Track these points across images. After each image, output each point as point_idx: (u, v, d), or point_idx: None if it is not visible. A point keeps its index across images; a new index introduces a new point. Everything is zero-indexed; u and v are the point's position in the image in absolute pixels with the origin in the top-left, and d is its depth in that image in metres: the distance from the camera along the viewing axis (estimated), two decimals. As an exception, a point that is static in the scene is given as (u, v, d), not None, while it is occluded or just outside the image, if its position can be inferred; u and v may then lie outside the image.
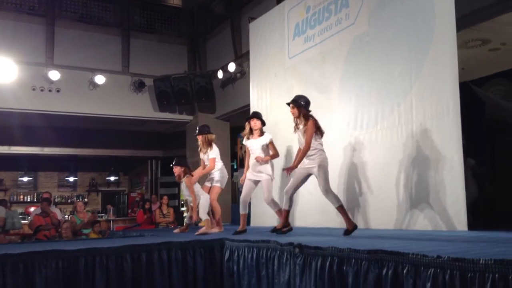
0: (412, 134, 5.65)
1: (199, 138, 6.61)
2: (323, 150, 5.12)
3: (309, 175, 5.18)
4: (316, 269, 3.61)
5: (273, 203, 5.94)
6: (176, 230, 6.86)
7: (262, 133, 6.00)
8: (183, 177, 6.29)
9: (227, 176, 6.89)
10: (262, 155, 5.89)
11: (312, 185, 6.83)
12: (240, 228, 5.83)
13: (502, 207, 6.69)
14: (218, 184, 6.62)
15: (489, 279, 2.43)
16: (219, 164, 6.62)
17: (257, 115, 6.11)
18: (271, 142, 5.96)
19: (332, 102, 6.89)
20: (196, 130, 6.76)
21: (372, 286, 3.11)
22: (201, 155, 6.66)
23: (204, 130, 6.61)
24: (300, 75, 7.67)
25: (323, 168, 5.00)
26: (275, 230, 5.51)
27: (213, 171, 6.58)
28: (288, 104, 5.24)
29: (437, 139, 5.33)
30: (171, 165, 6.43)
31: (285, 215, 5.35)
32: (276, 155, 6.03)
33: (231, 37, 11.08)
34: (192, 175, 6.36)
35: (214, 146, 6.57)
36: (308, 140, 4.97)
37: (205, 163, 6.62)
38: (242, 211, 5.94)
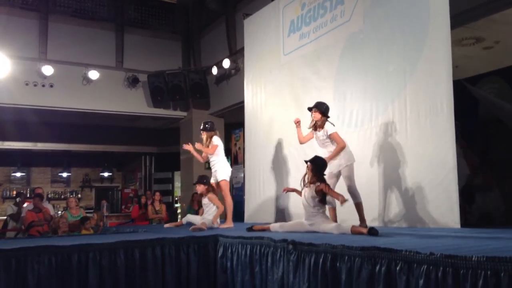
0: (406, 131, 5.67)
1: (204, 134, 6.74)
2: None
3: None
4: (310, 265, 3.62)
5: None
6: (168, 225, 6.87)
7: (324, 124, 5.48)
8: (207, 194, 6.53)
9: (230, 169, 6.92)
10: (324, 147, 5.48)
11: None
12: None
13: (497, 203, 6.72)
14: (225, 178, 6.66)
15: (481, 276, 2.45)
16: (220, 158, 6.70)
17: (317, 106, 5.51)
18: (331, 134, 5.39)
19: (327, 99, 6.87)
20: (200, 125, 6.88)
21: (365, 283, 3.12)
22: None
23: (206, 128, 6.73)
24: (295, 71, 7.66)
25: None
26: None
27: (215, 168, 6.64)
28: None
29: (431, 136, 5.35)
30: (193, 183, 6.66)
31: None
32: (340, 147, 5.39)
33: (226, 33, 11.06)
34: (214, 190, 6.61)
35: (214, 138, 6.70)
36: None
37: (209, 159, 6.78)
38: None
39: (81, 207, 10.54)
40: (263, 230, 5.27)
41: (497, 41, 6.79)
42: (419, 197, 5.42)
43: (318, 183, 4.88)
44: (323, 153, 5.37)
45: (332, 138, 5.31)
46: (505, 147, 7.17)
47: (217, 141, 6.72)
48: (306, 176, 5.07)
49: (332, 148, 5.31)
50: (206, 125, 6.80)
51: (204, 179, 6.62)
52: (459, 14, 5.66)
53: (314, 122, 5.43)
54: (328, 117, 5.41)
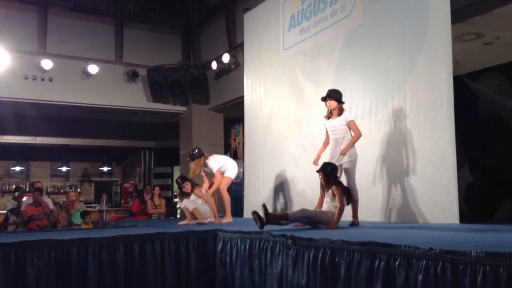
0: (405, 127, 5.66)
1: (193, 163, 6.68)
2: None
3: None
4: (309, 260, 3.63)
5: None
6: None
7: (341, 111, 5.41)
8: (193, 190, 6.69)
9: (237, 168, 6.97)
10: (339, 135, 5.39)
11: (308, 179, 6.86)
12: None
13: (496, 200, 6.73)
14: (228, 175, 6.73)
15: (480, 272, 2.45)
16: (224, 158, 6.89)
17: (330, 95, 5.41)
18: (350, 122, 5.34)
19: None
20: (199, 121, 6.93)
21: (364, 278, 3.13)
22: (202, 172, 6.81)
23: (195, 156, 6.65)
24: (294, 66, 7.65)
25: None
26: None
27: (226, 166, 6.75)
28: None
29: (431, 132, 5.35)
30: (178, 182, 6.72)
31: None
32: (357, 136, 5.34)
33: (226, 28, 11.02)
34: (198, 185, 6.78)
35: (209, 159, 6.67)
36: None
37: (208, 177, 6.92)
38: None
39: (80, 201, 10.56)
40: (281, 217, 4.99)
41: (497, 36, 6.77)
42: (418, 193, 5.42)
43: (334, 187, 4.99)
44: (332, 146, 5.35)
45: (350, 126, 5.28)
46: (505, 143, 7.18)
47: (214, 163, 6.65)
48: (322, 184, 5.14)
49: (345, 135, 5.29)
50: (194, 152, 6.69)
51: (184, 178, 6.78)
52: (460, 9, 5.64)
53: (330, 111, 5.38)
54: (343, 103, 5.37)
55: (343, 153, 5.21)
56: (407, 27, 5.77)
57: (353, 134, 5.30)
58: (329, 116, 5.42)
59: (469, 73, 7.60)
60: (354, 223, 5.25)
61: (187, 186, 6.68)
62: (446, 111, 5.18)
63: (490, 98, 7.40)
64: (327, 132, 5.54)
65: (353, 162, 5.28)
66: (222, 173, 6.68)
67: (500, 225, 4.78)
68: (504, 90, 7.44)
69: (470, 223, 4.93)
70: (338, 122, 5.33)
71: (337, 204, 4.92)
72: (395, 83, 5.84)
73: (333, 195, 4.99)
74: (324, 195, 5.10)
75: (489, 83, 7.78)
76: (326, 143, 5.60)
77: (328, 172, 5.06)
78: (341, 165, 5.29)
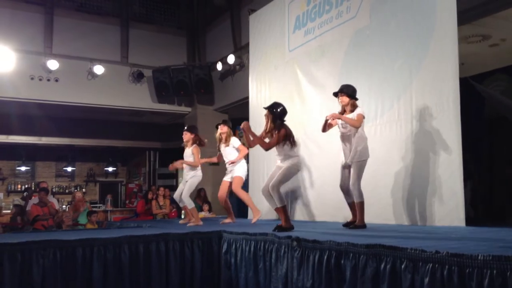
0: (411, 129, 5.64)
1: (224, 129, 6.69)
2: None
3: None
4: (314, 262, 3.61)
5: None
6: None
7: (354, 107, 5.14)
8: (191, 145, 6.48)
9: (246, 168, 6.98)
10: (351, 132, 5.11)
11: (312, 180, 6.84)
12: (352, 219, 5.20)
13: (501, 202, 6.71)
14: (239, 174, 6.69)
15: (487, 275, 2.44)
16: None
17: (342, 90, 5.18)
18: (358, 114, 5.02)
19: (331, 95, 6.86)
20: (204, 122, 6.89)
21: (369, 280, 3.12)
22: (222, 148, 6.75)
23: (229, 123, 6.77)
24: (300, 68, 7.64)
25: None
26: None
27: (234, 165, 6.69)
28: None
29: (437, 134, 5.32)
30: (184, 130, 6.65)
31: None
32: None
33: (231, 29, 11.03)
34: (203, 144, 6.57)
35: (234, 139, 6.71)
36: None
37: (224, 157, 6.76)
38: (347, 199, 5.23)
39: (86, 202, 10.59)
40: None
41: (504, 38, 6.76)
42: (424, 195, 5.40)
43: (277, 131, 4.96)
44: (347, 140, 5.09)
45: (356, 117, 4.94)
46: (511, 144, 7.14)
47: (238, 142, 6.76)
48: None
49: (358, 134, 4.99)
50: (225, 120, 6.86)
51: (193, 128, 6.72)
52: (466, 11, 5.62)
53: (343, 107, 5.13)
54: (357, 99, 5.11)
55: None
56: (413, 29, 5.75)
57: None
58: (342, 112, 5.12)
59: (475, 75, 7.58)
60: (357, 225, 4.96)
61: (185, 136, 6.55)
62: (452, 113, 5.16)
63: (496, 100, 7.37)
64: (329, 125, 5.26)
65: (362, 163, 5.01)
66: (232, 172, 6.67)
67: (507, 228, 4.75)
68: (510, 92, 7.41)
69: (476, 226, 4.91)
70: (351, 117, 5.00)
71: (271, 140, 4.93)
72: (401, 84, 5.82)
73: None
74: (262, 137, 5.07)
75: (495, 85, 7.75)
76: (324, 128, 5.33)
77: (275, 113, 5.05)
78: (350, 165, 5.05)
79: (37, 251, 4.08)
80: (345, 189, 5.15)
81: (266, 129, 5.14)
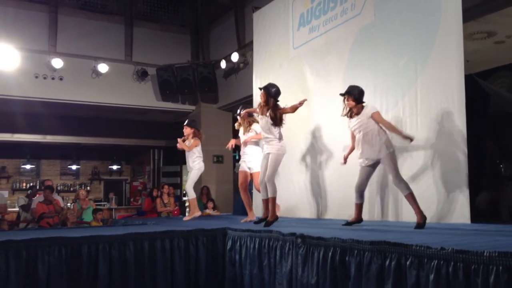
0: (416, 126, 5.62)
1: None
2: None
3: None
4: (318, 259, 3.61)
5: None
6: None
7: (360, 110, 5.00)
8: (191, 138, 6.80)
9: None
10: (371, 129, 4.91)
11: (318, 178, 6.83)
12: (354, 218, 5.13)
13: (509, 200, 6.68)
14: (258, 169, 6.42)
15: (493, 271, 2.43)
16: (258, 148, 6.57)
17: (350, 92, 5.07)
18: (373, 114, 4.92)
19: (336, 93, 6.84)
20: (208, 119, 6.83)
21: (374, 277, 3.11)
22: (241, 136, 6.64)
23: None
24: (304, 65, 7.63)
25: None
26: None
27: (250, 157, 6.52)
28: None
29: (442, 131, 5.31)
30: (183, 125, 6.98)
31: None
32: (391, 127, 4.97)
33: (235, 27, 11.02)
34: (200, 138, 6.90)
35: (255, 126, 6.50)
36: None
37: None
38: (357, 200, 5.15)
39: (90, 199, 10.62)
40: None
41: (509, 35, 6.74)
42: (429, 192, 5.38)
43: (271, 110, 5.09)
44: (361, 143, 4.93)
45: (375, 119, 4.82)
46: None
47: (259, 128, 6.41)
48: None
49: (375, 130, 4.81)
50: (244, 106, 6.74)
51: (193, 122, 7.01)
52: (471, 8, 5.60)
53: (349, 109, 5.01)
54: (363, 102, 4.98)
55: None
56: (418, 26, 5.73)
57: (384, 126, 4.85)
58: (348, 114, 5.03)
59: (480, 72, 7.55)
60: (420, 223, 4.61)
61: (186, 130, 6.81)
62: (457, 109, 5.14)
63: (501, 97, 7.34)
64: (352, 134, 5.13)
65: (392, 154, 4.79)
66: (254, 168, 6.49)
67: (512, 225, 4.74)
68: (515, 89, 7.39)
69: (481, 223, 4.89)
70: (361, 119, 4.89)
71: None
72: (406, 81, 5.80)
73: (271, 118, 5.15)
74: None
75: (501, 82, 7.72)
76: (352, 145, 5.22)
77: (271, 92, 5.27)
78: (378, 161, 4.87)
79: (43, 248, 4.10)
80: (360, 191, 5.06)
81: (262, 109, 5.31)
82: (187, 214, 7.66)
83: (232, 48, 10.74)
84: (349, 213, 6.31)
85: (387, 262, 3.04)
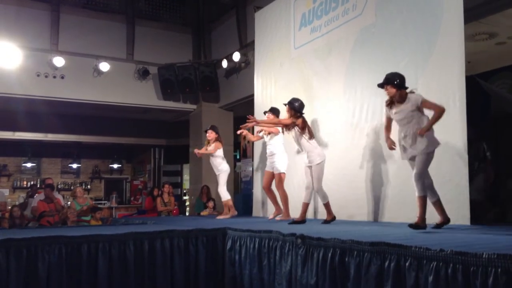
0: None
1: (271, 116, 6.94)
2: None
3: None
4: (318, 260, 3.62)
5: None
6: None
7: (404, 97, 4.60)
8: (213, 142, 7.35)
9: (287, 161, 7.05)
10: (414, 121, 4.54)
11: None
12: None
13: (508, 200, 6.68)
14: (282, 170, 6.84)
15: (491, 273, 2.43)
16: (282, 148, 6.91)
17: (388, 81, 4.66)
18: (423, 102, 4.51)
19: (338, 93, 6.86)
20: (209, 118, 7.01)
21: (374, 278, 3.12)
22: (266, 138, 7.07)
23: (277, 112, 6.97)
24: (305, 65, 7.63)
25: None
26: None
27: (276, 157, 6.85)
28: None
29: (442, 132, 5.27)
30: (205, 130, 7.64)
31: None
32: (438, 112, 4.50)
33: (237, 26, 11.02)
34: (221, 142, 7.52)
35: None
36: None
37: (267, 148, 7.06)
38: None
39: (86, 197, 10.61)
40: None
41: (510, 36, 6.72)
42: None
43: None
44: (401, 137, 4.58)
45: (425, 106, 4.47)
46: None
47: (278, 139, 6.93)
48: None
49: (421, 121, 4.47)
50: (273, 109, 7.05)
51: (216, 128, 7.61)
52: (473, 8, 5.59)
53: (390, 98, 4.65)
54: (406, 88, 4.59)
55: (421, 133, 4.36)
56: (419, 26, 5.72)
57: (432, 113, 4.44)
58: (389, 103, 4.68)
59: (481, 73, 7.54)
60: (438, 224, 4.46)
61: (210, 134, 7.38)
62: (459, 110, 5.14)
63: (503, 98, 7.33)
64: (388, 119, 4.82)
65: (430, 154, 4.45)
66: (279, 169, 6.83)
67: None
68: (516, 90, 7.38)
69: (481, 225, 4.89)
70: (406, 109, 4.52)
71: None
72: (407, 82, 5.72)
73: (301, 128, 5.66)
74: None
75: (501, 83, 7.72)
76: (387, 129, 4.88)
77: (295, 107, 5.75)
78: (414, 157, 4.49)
79: (43, 247, 4.11)
80: (421, 183, 4.47)
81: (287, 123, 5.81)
82: (187, 214, 7.67)
83: (233, 48, 10.74)
84: (349, 213, 6.34)
85: (387, 263, 3.04)
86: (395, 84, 4.55)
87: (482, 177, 5.95)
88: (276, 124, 6.41)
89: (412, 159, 4.58)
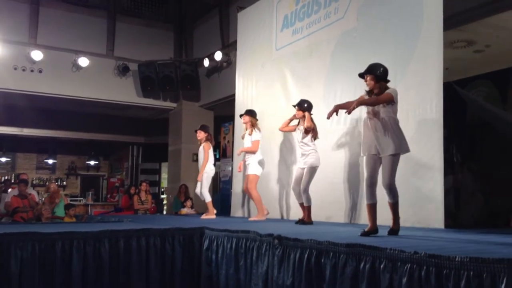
0: (394, 131, 5.67)
1: (247, 118, 7.04)
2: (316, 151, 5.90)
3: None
4: (294, 261, 3.63)
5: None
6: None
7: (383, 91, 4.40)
8: (204, 141, 7.38)
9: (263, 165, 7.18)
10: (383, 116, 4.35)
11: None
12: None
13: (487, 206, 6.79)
14: (255, 172, 6.93)
15: (464, 276, 2.47)
16: (259, 151, 6.99)
17: (369, 71, 4.50)
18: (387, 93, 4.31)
19: (317, 95, 6.90)
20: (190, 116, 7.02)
21: (349, 279, 3.14)
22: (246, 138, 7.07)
23: (253, 113, 7.08)
24: (286, 67, 7.66)
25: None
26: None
27: (250, 158, 6.94)
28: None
29: (419, 137, 5.38)
30: (195, 130, 7.59)
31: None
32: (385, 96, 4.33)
33: (219, 26, 11.01)
34: (213, 142, 7.60)
35: (257, 130, 6.98)
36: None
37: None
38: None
39: (66, 194, 10.46)
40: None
41: (488, 45, 6.85)
42: (404, 197, 5.42)
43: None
44: (368, 133, 4.40)
45: (384, 96, 4.24)
46: (492, 150, 7.25)
47: (258, 136, 6.99)
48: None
49: (388, 116, 4.27)
50: (248, 111, 7.15)
51: (206, 127, 7.64)
52: (452, 16, 5.68)
53: (370, 90, 4.44)
54: (388, 81, 4.42)
55: (349, 111, 4.28)
56: (399, 32, 5.80)
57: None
58: (368, 93, 4.49)
59: (459, 80, 7.66)
60: (393, 229, 4.42)
61: (200, 134, 7.39)
62: (435, 117, 5.22)
63: (479, 106, 7.46)
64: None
65: (396, 157, 4.27)
66: (249, 171, 6.95)
67: (485, 231, 4.83)
68: (492, 98, 7.52)
69: (455, 229, 4.98)
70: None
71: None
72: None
73: (305, 132, 5.78)
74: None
75: (478, 91, 7.85)
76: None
77: (305, 108, 5.89)
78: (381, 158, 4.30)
79: (16, 243, 4.03)
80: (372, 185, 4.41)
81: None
82: (164, 212, 7.64)
83: (215, 47, 10.72)
84: (327, 214, 6.38)
85: (362, 265, 3.07)
86: (376, 75, 4.35)
87: (450, 178, 6.06)
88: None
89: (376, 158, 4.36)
